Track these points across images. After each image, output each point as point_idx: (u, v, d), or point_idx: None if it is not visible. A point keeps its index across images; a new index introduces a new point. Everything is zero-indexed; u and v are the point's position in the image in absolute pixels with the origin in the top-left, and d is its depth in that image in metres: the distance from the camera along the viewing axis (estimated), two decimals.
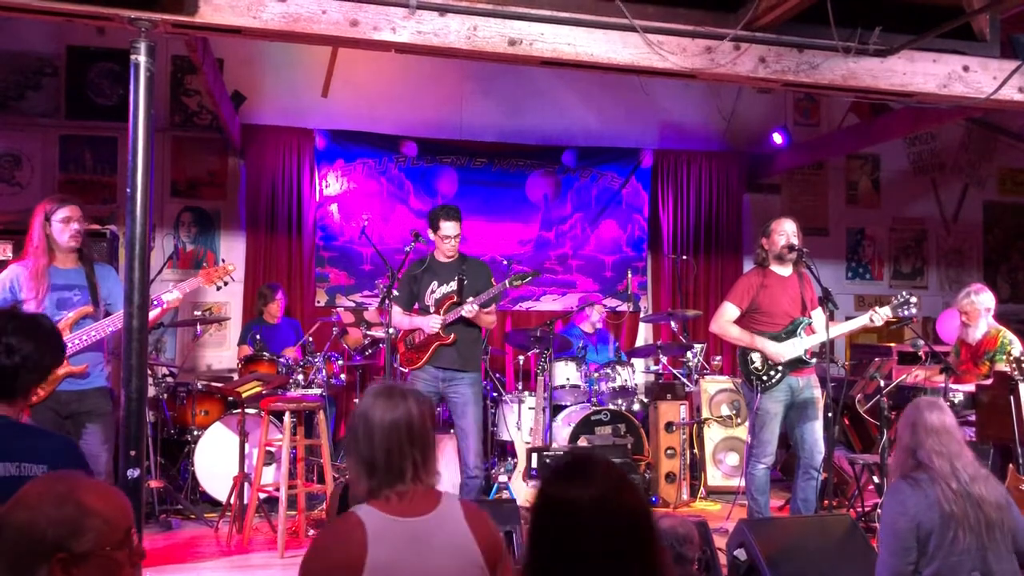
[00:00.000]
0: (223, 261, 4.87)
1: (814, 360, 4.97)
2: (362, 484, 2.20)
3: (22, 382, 2.42)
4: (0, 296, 4.18)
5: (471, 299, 5.16)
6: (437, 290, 5.32)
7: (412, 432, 2.22)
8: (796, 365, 4.93)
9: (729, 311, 5.06)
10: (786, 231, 5.04)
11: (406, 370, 5.46)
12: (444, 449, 5.70)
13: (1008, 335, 5.58)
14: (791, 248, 4.99)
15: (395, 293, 5.29)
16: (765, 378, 4.92)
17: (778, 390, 4.91)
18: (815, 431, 4.96)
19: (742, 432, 6.50)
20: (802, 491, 4.98)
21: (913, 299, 5.01)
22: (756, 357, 4.97)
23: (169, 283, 5.21)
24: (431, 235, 5.38)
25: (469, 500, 2.35)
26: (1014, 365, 4.72)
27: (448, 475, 5.30)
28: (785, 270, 5.08)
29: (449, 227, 5.27)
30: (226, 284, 4.61)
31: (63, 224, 4.24)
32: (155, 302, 4.24)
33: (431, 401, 2.45)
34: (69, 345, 4.13)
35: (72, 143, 7.34)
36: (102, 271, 4.44)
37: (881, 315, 4.98)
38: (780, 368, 4.90)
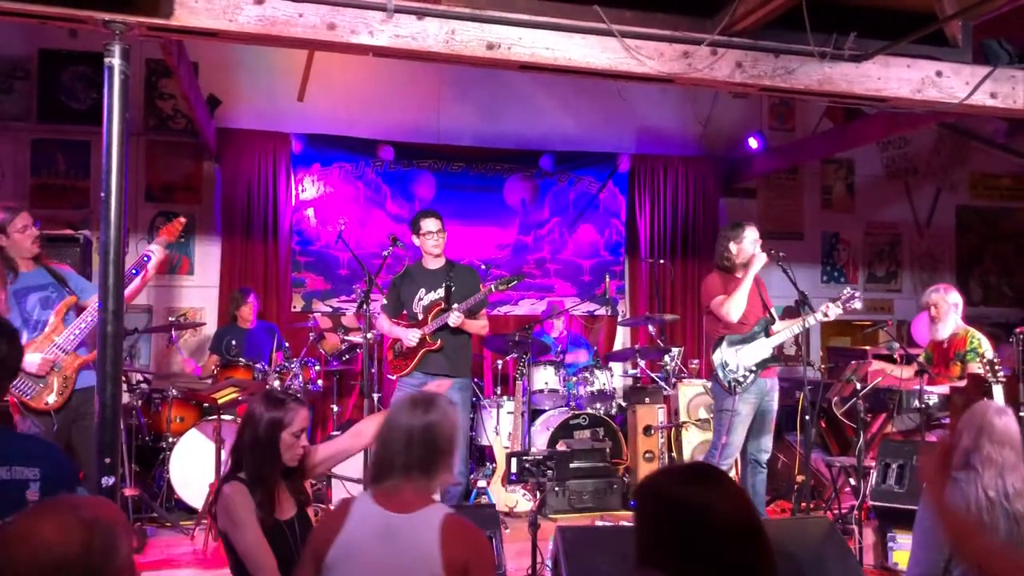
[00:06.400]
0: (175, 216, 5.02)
1: (779, 358, 5.23)
2: (368, 475, 2.54)
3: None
4: None
5: (456, 306, 5.15)
6: (425, 297, 5.32)
7: (423, 435, 2.38)
8: (765, 364, 5.12)
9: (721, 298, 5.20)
10: (754, 239, 5.22)
11: (394, 377, 5.42)
12: None
13: (977, 336, 5.63)
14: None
15: (384, 302, 5.26)
16: (741, 379, 5.07)
17: (750, 392, 5.09)
18: (769, 438, 5.23)
19: None
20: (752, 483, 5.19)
21: (857, 293, 5.21)
22: (730, 360, 5.11)
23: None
24: (415, 241, 5.38)
25: (457, 514, 2.36)
26: (988, 368, 4.77)
27: None
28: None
29: (430, 223, 5.30)
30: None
31: (22, 233, 4.22)
32: (145, 258, 4.37)
33: (456, 410, 2.56)
34: (71, 337, 4.14)
35: (44, 147, 7.24)
36: (57, 268, 4.45)
37: (832, 313, 5.15)
38: (753, 369, 5.07)
